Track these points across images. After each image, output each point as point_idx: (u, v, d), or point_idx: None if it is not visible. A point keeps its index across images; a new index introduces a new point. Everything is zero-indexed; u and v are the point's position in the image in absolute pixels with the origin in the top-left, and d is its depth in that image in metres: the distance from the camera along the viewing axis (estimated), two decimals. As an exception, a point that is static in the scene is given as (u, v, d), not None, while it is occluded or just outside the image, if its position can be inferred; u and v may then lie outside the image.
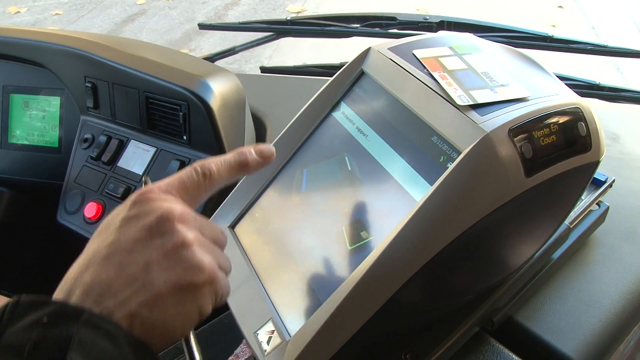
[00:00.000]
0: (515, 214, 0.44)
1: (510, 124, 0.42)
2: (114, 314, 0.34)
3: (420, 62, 0.50)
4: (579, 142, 0.45)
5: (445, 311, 0.53)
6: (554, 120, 0.44)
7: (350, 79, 0.55)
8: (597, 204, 0.69)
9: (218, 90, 0.82)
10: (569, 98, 0.46)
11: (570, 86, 0.53)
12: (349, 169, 0.51)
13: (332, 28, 1.31)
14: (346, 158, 0.52)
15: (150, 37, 3.98)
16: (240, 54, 1.44)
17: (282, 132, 0.58)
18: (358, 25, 1.32)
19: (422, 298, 0.47)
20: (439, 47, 0.53)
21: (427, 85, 0.47)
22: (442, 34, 0.58)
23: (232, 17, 4.36)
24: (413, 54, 0.51)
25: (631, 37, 3.93)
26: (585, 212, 0.67)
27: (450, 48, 0.53)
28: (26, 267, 0.61)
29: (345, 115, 0.54)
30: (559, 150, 0.44)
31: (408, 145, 0.48)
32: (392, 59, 0.51)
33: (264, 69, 1.37)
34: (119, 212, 0.40)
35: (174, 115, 0.83)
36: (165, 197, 0.40)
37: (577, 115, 0.46)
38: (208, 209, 0.82)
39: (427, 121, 0.46)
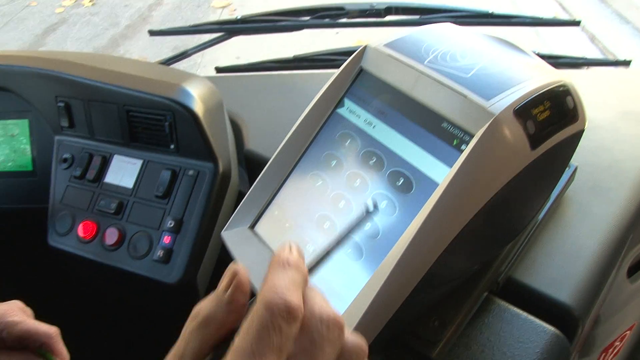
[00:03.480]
0: (525, 183, 0.50)
1: (514, 105, 0.48)
2: None
3: (418, 55, 0.55)
4: (569, 114, 0.52)
5: (461, 280, 0.59)
6: (547, 97, 0.50)
7: (350, 77, 0.59)
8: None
9: (198, 96, 0.84)
10: (555, 76, 0.52)
11: None
12: (362, 159, 0.55)
13: (283, 23, 1.34)
14: (358, 148, 0.56)
15: (75, 45, 3.86)
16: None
17: (289, 134, 0.61)
18: (308, 18, 1.35)
19: (449, 271, 0.52)
20: (427, 42, 0.58)
21: (429, 76, 0.52)
22: (424, 26, 0.63)
23: (157, 18, 4.29)
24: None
25: (545, 2, 4.14)
26: (559, 174, 0.75)
27: (438, 41, 0.58)
28: (18, 294, 0.61)
29: (350, 110, 0.58)
30: (554, 123, 0.50)
31: (418, 132, 0.52)
32: (391, 54, 0.56)
33: (219, 69, 1.38)
34: None
35: (158, 126, 0.84)
36: None
37: (565, 91, 0.52)
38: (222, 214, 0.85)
39: (435, 109, 0.51)
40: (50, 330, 0.57)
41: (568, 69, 1.26)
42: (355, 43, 3.16)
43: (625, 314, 0.93)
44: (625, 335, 0.94)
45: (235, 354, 0.30)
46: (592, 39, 3.66)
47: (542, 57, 1.20)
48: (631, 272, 0.86)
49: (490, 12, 1.28)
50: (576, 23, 1.29)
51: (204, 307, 0.33)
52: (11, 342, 0.54)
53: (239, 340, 0.30)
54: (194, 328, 0.33)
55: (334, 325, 0.32)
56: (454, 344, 0.59)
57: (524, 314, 0.62)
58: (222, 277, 0.34)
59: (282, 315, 0.30)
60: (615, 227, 0.74)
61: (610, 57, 3.30)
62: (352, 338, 0.33)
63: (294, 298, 0.31)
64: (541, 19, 1.32)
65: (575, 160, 0.78)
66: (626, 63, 1.30)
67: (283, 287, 0.31)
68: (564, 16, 3.97)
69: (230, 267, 0.34)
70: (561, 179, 0.75)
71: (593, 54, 3.43)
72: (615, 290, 0.81)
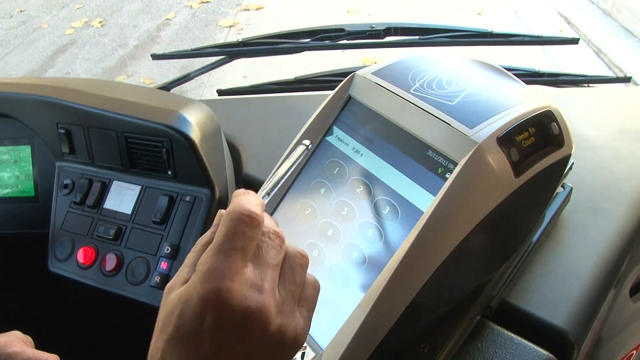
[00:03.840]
0: (511, 209, 0.50)
1: (497, 133, 0.48)
2: None
3: (404, 82, 0.55)
4: (554, 140, 0.52)
5: (452, 305, 0.59)
6: (531, 124, 0.50)
7: (338, 105, 0.60)
8: (562, 186, 0.77)
9: (195, 122, 0.85)
10: (540, 102, 0.53)
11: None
12: (350, 187, 0.56)
13: (284, 45, 1.35)
14: (346, 176, 0.56)
15: (84, 66, 3.91)
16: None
17: (279, 163, 0.62)
18: (308, 40, 1.36)
19: (437, 297, 0.52)
20: (414, 69, 0.58)
21: (415, 105, 0.53)
22: (411, 53, 0.63)
23: (165, 38, 4.35)
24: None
25: (550, 18, 4.15)
26: (554, 195, 0.75)
27: (426, 68, 0.58)
28: (16, 321, 0.62)
29: (339, 138, 0.59)
30: (539, 150, 0.51)
31: (404, 160, 0.53)
32: (377, 82, 0.56)
33: (221, 92, 1.40)
34: None
35: (156, 152, 0.85)
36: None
37: (549, 117, 0.52)
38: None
39: (420, 137, 0.52)
40: (50, 359, 0.58)
41: (568, 86, 1.26)
42: (361, 60, 3.19)
43: (630, 334, 0.92)
44: (631, 354, 0.93)
45: (207, 252, 0.38)
46: (598, 52, 3.65)
47: (542, 75, 1.22)
48: (633, 291, 0.85)
49: (489, 31, 1.28)
50: (575, 41, 1.30)
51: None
52: None
53: (213, 243, 0.39)
54: (192, 248, 0.43)
55: (275, 236, 0.41)
56: (445, 370, 0.58)
57: (518, 339, 0.62)
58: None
59: (245, 221, 0.39)
60: (612, 248, 0.73)
61: (612, 73, 3.30)
62: (294, 246, 0.43)
63: (255, 209, 0.40)
64: (540, 37, 1.32)
65: (572, 180, 0.78)
66: (627, 79, 1.30)
67: (247, 202, 0.40)
68: (569, 30, 3.97)
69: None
70: (556, 200, 0.75)
71: (598, 68, 3.43)
72: (617, 310, 0.80)
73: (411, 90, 0.55)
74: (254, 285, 0.38)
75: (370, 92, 0.57)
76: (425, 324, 0.57)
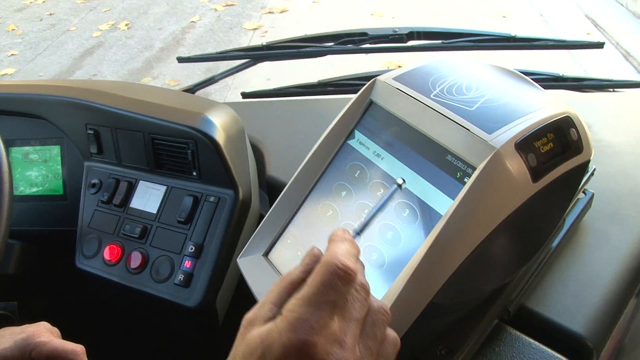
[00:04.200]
0: (528, 214, 0.51)
1: (515, 139, 0.49)
2: None
3: (425, 88, 0.56)
4: (573, 146, 0.52)
5: (470, 308, 0.59)
6: (550, 130, 0.51)
7: (360, 110, 0.61)
8: (583, 192, 0.76)
9: (220, 124, 0.87)
10: (559, 108, 0.53)
11: (536, 80, 0.61)
12: (371, 190, 0.57)
13: (307, 49, 1.37)
14: (367, 179, 0.58)
15: (111, 68, 3.98)
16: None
17: (301, 165, 0.63)
18: (332, 44, 1.37)
19: (454, 299, 0.53)
20: (435, 75, 0.59)
21: (435, 110, 0.54)
22: (432, 58, 0.64)
23: (190, 41, 4.40)
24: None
25: (577, 21, 4.11)
26: (575, 201, 0.75)
27: (446, 73, 0.59)
28: (44, 315, 0.64)
29: (360, 142, 0.60)
30: (557, 155, 0.51)
31: (424, 164, 0.54)
32: (399, 88, 0.58)
33: (245, 95, 1.42)
34: None
35: (182, 154, 0.87)
36: None
37: (568, 123, 0.53)
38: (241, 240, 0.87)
39: (440, 142, 0.53)
40: (76, 349, 0.60)
41: (593, 91, 1.25)
42: (385, 64, 3.19)
43: (653, 343, 0.91)
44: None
45: (298, 300, 0.38)
46: (627, 56, 3.60)
47: (566, 79, 1.21)
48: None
49: (512, 35, 1.28)
50: (600, 45, 1.29)
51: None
52: None
53: (304, 291, 0.39)
54: (276, 282, 0.43)
55: (362, 288, 0.40)
56: (462, 372, 0.59)
57: (536, 344, 0.62)
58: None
59: (340, 276, 0.38)
60: (633, 256, 0.73)
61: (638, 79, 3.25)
62: (377, 301, 0.42)
63: (351, 264, 0.39)
64: (564, 41, 1.31)
65: (594, 186, 0.78)
66: (654, 84, 1.28)
67: (343, 254, 0.40)
68: (596, 34, 3.92)
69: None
70: (577, 206, 0.75)
71: (627, 72, 3.38)
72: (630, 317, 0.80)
73: (431, 96, 0.56)
74: (337, 340, 0.37)
75: (391, 97, 0.58)
76: (442, 326, 0.58)
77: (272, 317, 0.40)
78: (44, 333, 0.61)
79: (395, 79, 0.59)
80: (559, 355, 0.61)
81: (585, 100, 1.20)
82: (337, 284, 0.38)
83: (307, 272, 0.42)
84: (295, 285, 0.41)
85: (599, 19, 4.16)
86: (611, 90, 1.26)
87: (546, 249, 0.68)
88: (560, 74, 1.22)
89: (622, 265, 0.72)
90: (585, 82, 1.25)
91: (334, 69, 1.35)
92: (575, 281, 0.70)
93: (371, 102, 0.61)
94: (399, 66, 0.62)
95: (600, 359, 0.64)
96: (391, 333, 0.42)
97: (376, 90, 0.60)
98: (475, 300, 0.59)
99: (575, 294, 0.68)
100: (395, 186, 0.53)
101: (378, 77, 0.61)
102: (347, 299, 0.39)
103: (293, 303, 0.38)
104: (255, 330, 0.39)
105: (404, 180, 0.54)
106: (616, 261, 0.72)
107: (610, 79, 1.25)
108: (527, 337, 0.63)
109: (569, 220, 0.73)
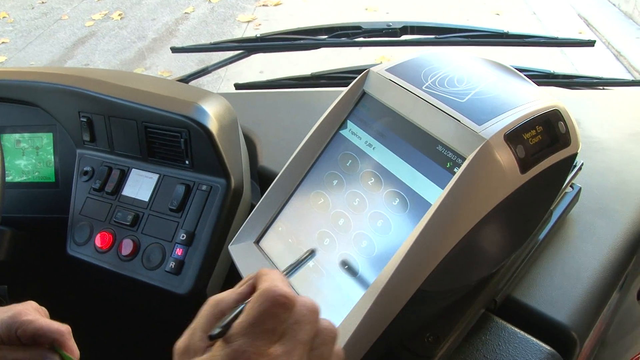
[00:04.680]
0: (515, 205, 0.52)
1: (505, 130, 0.50)
2: None
3: (417, 80, 0.57)
4: (561, 139, 0.53)
5: (457, 297, 0.60)
6: (539, 122, 0.52)
7: (353, 100, 0.62)
8: (570, 186, 0.78)
9: (213, 114, 0.87)
10: (548, 101, 0.54)
11: (527, 77, 0.62)
12: (362, 179, 0.58)
13: (301, 41, 1.37)
14: (358, 169, 0.58)
15: (103, 58, 3.96)
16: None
17: (293, 154, 0.64)
18: (325, 37, 1.38)
19: (442, 287, 0.54)
20: (427, 67, 0.60)
21: (426, 101, 0.55)
22: (425, 51, 0.65)
23: (183, 32, 4.38)
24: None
25: (570, 20, 4.13)
26: (562, 195, 0.76)
27: (438, 66, 0.60)
28: (36, 300, 0.65)
29: (352, 132, 0.61)
30: (545, 147, 0.52)
31: (414, 154, 0.55)
32: (391, 79, 0.58)
33: (238, 86, 1.42)
34: None
35: (174, 142, 0.87)
36: None
37: (556, 116, 0.54)
38: (233, 228, 0.88)
39: (431, 133, 0.53)
40: (62, 328, 0.60)
41: (583, 88, 1.27)
42: (379, 58, 3.19)
43: (636, 337, 0.93)
44: (637, 358, 0.94)
45: (239, 328, 0.38)
46: (618, 56, 3.63)
47: (557, 76, 1.23)
48: (640, 295, 0.86)
49: (505, 31, 1.29)
50: (591, 43, 1.30)
51: (218, 294, 0.43)
52: (26, 339, 0.58)
53: (242, 320, 0.38)
54: (206, 307, 0.42)
55: (312, 310, 0.41)
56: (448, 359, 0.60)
57: (522, 333, 0.63)
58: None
59: (280, 303, 0.39)
60: (618, 249, 0.75)
61: (631, 77, 3.28)
62: (325, 321, 0.42)
63: (289, 292, 0.40)
64: (556, 38, 1.33)
65: (582, 181, 0.80)
66: (641, 83, 1.30)
67: (279, 283, 0.40)
68: (588, 32, 3.94)
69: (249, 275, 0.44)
70: (564, 199, 0.76)
71: (618, 71, 3.41)
72: (624, 314, 0.81)
73: (423, 87, 0.56)
74: None
75: (383, 88, 0.59)
76: (430, 314, 0.59)
77: (206, 347, 0.39)
78: (31, 312, 0.61)
79: (388, 70, 0.60)
80: (543, 345, 0.62)
81: (575, 97, 1.21)
82: (277, 312, 0.39)
83: (241, 300, 0.42)
84: (226, 312, 0.41)
85: (591, 19, 4.18)
86: (600, 88, 1.28)
87: (533, 241, 0.70)
88: (551, 71, 1.23)
89: (607, 258, 0.73)
90: (575, 80, 1.26)
91: (327, 61, 1.36)
92: (561, 273, 0.71)
93: (364, 93, 0.61)
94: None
95: (583, 349, 0.65)
96: (338, 348, 0.43)
97: (369, 81, 0.61)
98: (462, 289, 0.60)
99: (561, 285, 0.69)
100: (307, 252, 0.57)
101: (371, 69, 0.61)
102: (292, 324, 0.39)
103: (233, 333, 0.38)
104: None
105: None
106: (601, 254, 0.74)
107: (600, 77, 1.27)
108: (513, 327, 0.64)
109: (557, 213, 0.74)
